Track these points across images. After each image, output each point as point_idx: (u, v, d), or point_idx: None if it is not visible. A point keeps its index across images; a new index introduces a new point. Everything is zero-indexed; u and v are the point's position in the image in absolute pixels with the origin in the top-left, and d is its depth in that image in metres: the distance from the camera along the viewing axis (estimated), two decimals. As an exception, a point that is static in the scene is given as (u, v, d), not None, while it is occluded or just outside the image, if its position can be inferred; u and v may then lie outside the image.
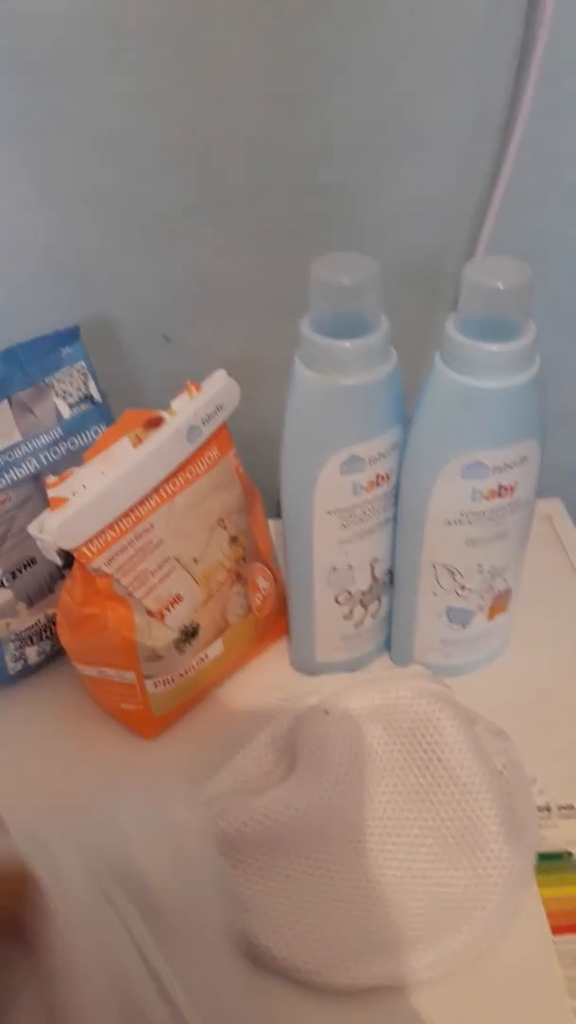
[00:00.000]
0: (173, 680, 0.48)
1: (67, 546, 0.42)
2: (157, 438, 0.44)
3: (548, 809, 0.45)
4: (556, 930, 0.40)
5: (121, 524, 0.43)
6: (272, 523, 0.54)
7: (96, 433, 0.50)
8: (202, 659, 0.49)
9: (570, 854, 0.43)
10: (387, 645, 0.53)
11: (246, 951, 0.39)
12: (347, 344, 0.38)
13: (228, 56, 0.48)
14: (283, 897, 0.40)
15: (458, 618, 0.49)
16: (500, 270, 0.36)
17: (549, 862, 0.43)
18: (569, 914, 0.41)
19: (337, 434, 0.40)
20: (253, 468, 0.51)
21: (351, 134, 0.50)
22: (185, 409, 0.45)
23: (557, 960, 0.39)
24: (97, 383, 0.50)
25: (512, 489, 0.41)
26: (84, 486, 0.42)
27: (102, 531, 0.43)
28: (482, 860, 0.41)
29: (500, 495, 0.41)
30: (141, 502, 0.44)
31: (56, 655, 0.53)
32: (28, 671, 0.52)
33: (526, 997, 0.38)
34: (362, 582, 0.48)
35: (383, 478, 0.43)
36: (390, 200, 0.53)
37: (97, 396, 0.50)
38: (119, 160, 0.50)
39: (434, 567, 0.46)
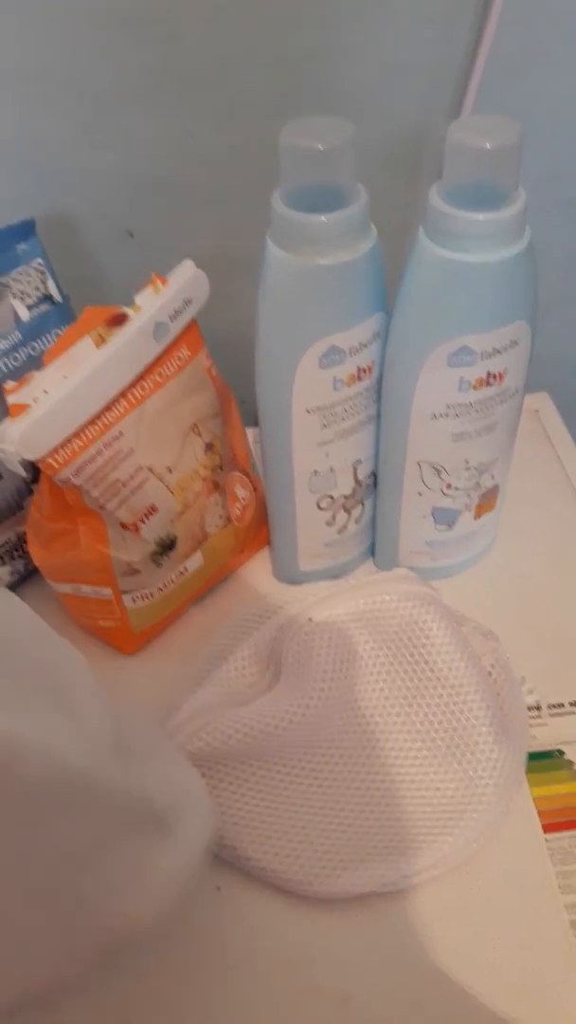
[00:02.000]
0: (152, 595, 0.47)
1: (31, 456, 0.39)
2: (122, 336, 0.41)
3: (538, 708, 0.44)
4: (548, 828, 0.40)
5: (88, 432, 0.41)
6: (250, 432, 0.52)
7: (57, 336, 0.46)
8: (181, 572, 0.48)
9: (560, 752, 0.43)
10: (371, 551, 0.52)
11: (235, 863, 0.39)
12: (323, 218, 0.34)
13: None
14: (272, 808, 0.40)
15: (444, 518, 0.47)
16: (487, 129, 0.32)
17: (539, 761, 0.42)
18: (560, 812, 0.41)
19: (314, 323, 0.37)
20: (228, 374, 0.48)
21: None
22: (150, 304, 0.42)
23: (549, 858, 0.39)
24: (56, 282, 0.46)
25: (501, 377, 0.39)
26: (45, 391, 0.39)
27: (68, 439, 0.40)
28: (472, 762, 0.40)
29: (488, 383, 0.39)
30: (108, 407, 0.41)
31: (30, 574, 0.51)
32: (1, 591, 0.50)
33: (519, 896, 0.38)
34: (344, 486, 0.46)
35: (364, 371, 0.41)
36: (368, 67, 0.49)
37: (57, 296, 0.46)
38: (69, 32, 0.45)
39: (419, 465, 0.44)
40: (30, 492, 0.48)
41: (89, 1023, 0.35)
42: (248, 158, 0.52)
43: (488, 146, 0.32)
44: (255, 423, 0.53)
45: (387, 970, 0.36)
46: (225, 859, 0.39)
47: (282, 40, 0.47)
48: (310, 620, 0.42)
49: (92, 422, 0.41)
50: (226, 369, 0.48)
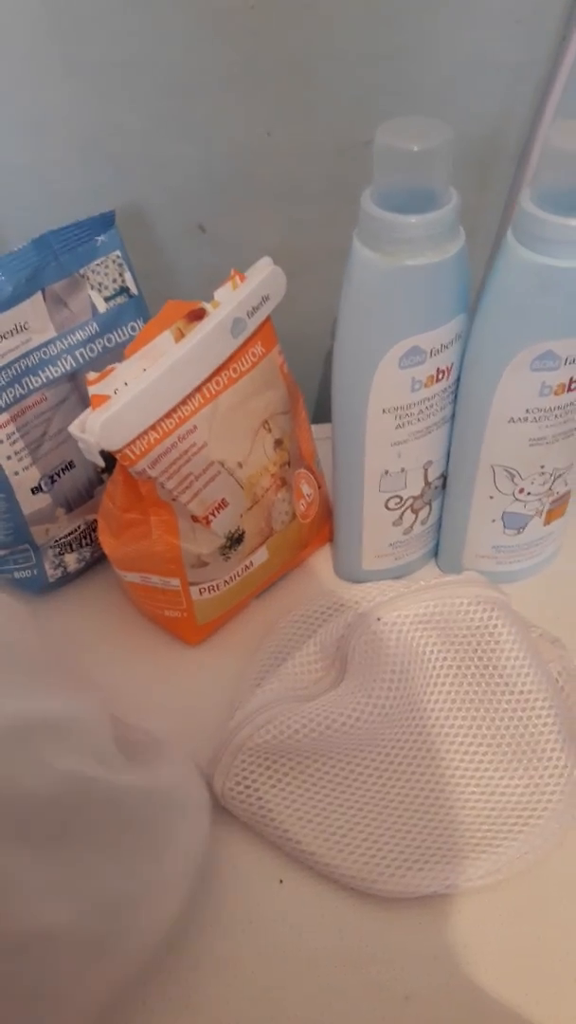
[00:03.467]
0: (218, 587, 0.47)
1: (110, 447, 0.39)
2: (200, 331, 0.41)
3: (605, 718, 0.44)
4: (613, 837, 0.40)
5: (164, 425, 0.41)
6: (313, 428, 0.52)
7: (133, 329, 0.47)
8: (247, 566, 0.48)
9: (627, 763, 0.42)
10: (434, 552, 0.52)
11: (298, 858, 0.39)
12: (413, 219, 0.34)
13: None
14: (336, 804, 0.40)
15: (514, 523, 0.47)
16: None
17: (606, 770, 0.42)
18: (626, 822, 0.40)
19: (398, 323, 0.37)
20: (292, 370, 0.49)
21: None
22: (229, 300, 0.42)
23: (615, 867, 0.39)
24: (133, 274, 0.46)
25: (584, 383, 0.38)
26: (125, 383, 0.40)
27: (145, 432, 0.40)
28: (539, 768, 0.40)
29: (570, 389, 0.38)
30: (184, 402, 0.42)
31: (96, 562, 0.51)
32: (67, 578, 0.51)
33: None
34: (414, 487, 0.46)
35: (444, 372, 0.40)
36: (449, 68, 0.48)
37: (134, 288, 0.46)
38: (154, 25, 0.46)
39: (492, 469, 0.44)
40: (101, 482, 0.49)
41: (154, 1010, 0.36)
42: (324, 157, 0.52)
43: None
44: (315, 420, 0.53)
45: (448, 971, 0.37)
46: (289, 853, 0.39)
47: (364, 39, 0.47)
48: (379, 620, 0.42)
49: (168, 415, 0.41)
50: (288, 365, 0.48)
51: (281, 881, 0.39)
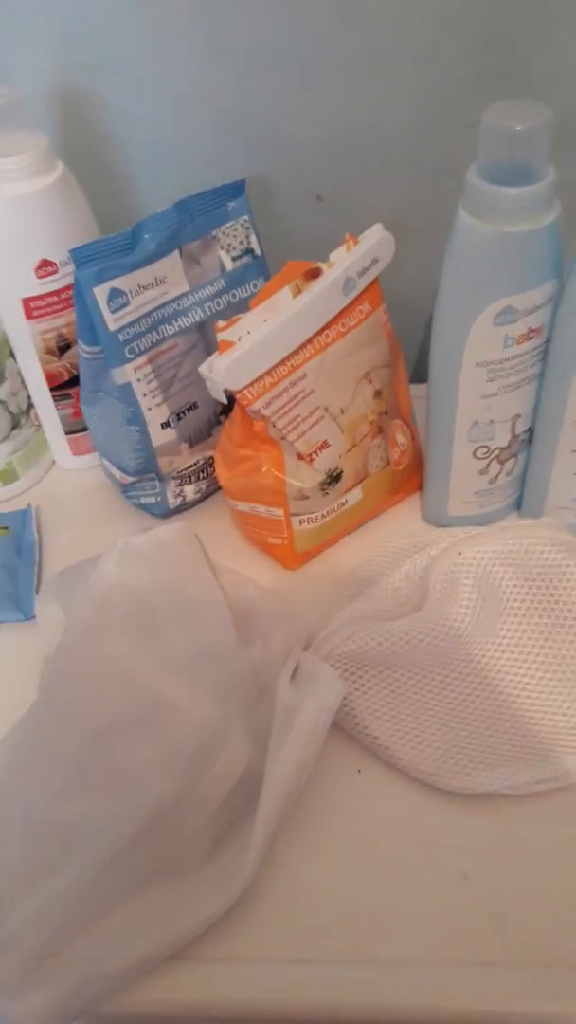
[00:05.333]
0: (316, 520, 0.53)
1: (232, 387, 0.46)
2: (315, 288, 0.47)
3: None
4: None
5: (278, 370, 0.47)
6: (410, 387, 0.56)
7: (255, 286, 0.53)
8: (343, 503, 0.53)
9: None
10: (517, 504, 0.56)
11: (376, 751, 0.45)
12: (513, 191, 0.39)
13: None
14: (409, 709, 0.45)
15: (593, 478, 0.50)
16: None
17: None
18: None
19: (494, 284, 0.42)
20: (394, 329, 0.53)
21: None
22: (343, 261, 0.48)
23: None
24: (258, 237, 0.52)
25: None
26: (248, 332, 0.46)
27: (262, 376, 0.46)
28: (598, 696, 0.44)
29: None
30: (297, 351, 0.47)
31: (211, 494, 0.58)
32: (185, 507, 0.57)
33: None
34: (502, 438, 0.50)
35: (535, 332, 0.45)
36: (553, 56, 0.52)
37: (258, 250, 0.52)
38: (290, 17, 0.51)
39: None
40: (219, 422, 0.55)
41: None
42: (433, 134, 0.56)
43: None
44: (413, 379, 0.58)
45: (503, 858, 0.41)
46: (367, 747, 0.45)
47: (482, 25, 0.51)
48: (460, 554, 0.46)
49: (283, 362, 0.47)
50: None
51: (359, 771, 0.45)
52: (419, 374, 0.57)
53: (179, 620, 0.45)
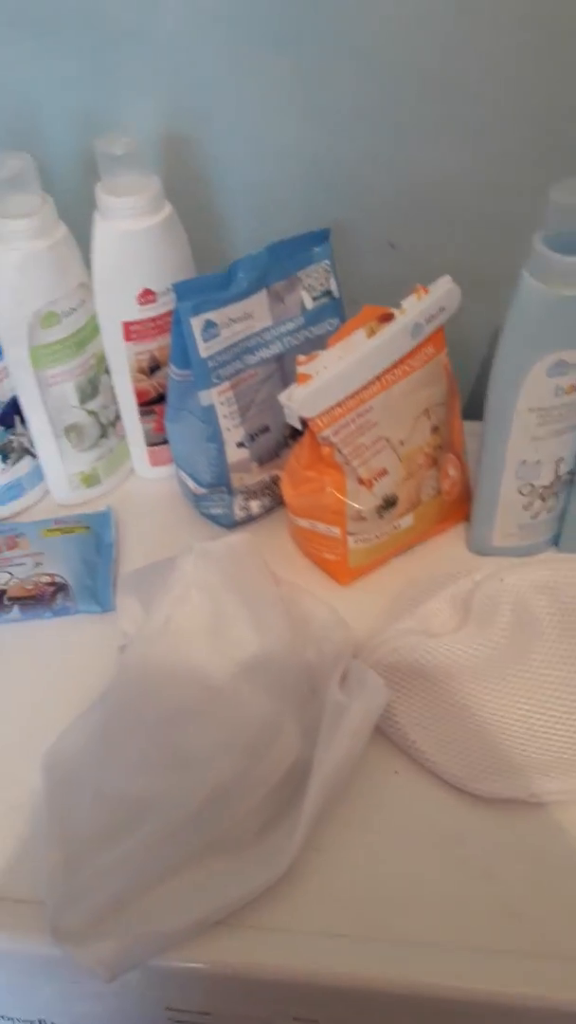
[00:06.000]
0: (370, 540, 0.57)
1: (307, 415, 0.51)
2: (387, 331, 0.52)
3: None
4: None
5: (349, 402, 0.52)
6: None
7: (331, 325, 0.58)
8: (395, 527, 0.58)
9: None
10: (555, 540, 0.60)
11: (413, 755, 0.49)
12: (572, 260, 0.43)
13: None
14: (445, 718, 0.49)
15: (629, 521, 0.55)
16: None
17: None
18: None
19: (551, 339, 0.47)
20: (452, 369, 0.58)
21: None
22: (413, 308, 0.53)
23: None
24: (337, 281, 0.57)
25: None
26: (325, 367, 0.51)
27: (333, 407, 0.51)
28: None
29: None
30: (366, 386, 0.52)
31: (272, 509, 0.63)
32: (249, 519, 0.62)
33: None
34: (546, 477, 0.54)
35: (583, 385, 0.49)
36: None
37: (336, 292, 0.57)
38: (382, 79, 0.57)
39: (615, 472, 0.52)
40: (287, 445, 0.60)
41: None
42: (508, 194, 0.61)
43: None
44: (465, 416, 0.62)
45: (525, 860, 0.45)
46: (405, 750, 0.49)
47: (549, 99, 0.56)
48: (501, 580, 0.51)
49: (353, 396, 0.52)
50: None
51: (396, 772, 0.49)
52: (472, 412, 0.61)
53: (244, 621, 0.50)
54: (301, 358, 0.51)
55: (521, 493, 0.55)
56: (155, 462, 0.65)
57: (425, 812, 0.48)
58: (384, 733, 0.50)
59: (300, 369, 0.51)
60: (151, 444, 0.64)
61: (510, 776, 0.47)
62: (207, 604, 0.49)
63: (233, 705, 0.46)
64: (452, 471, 0.60)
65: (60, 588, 0.57)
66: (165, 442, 0.62)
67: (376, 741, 0.49)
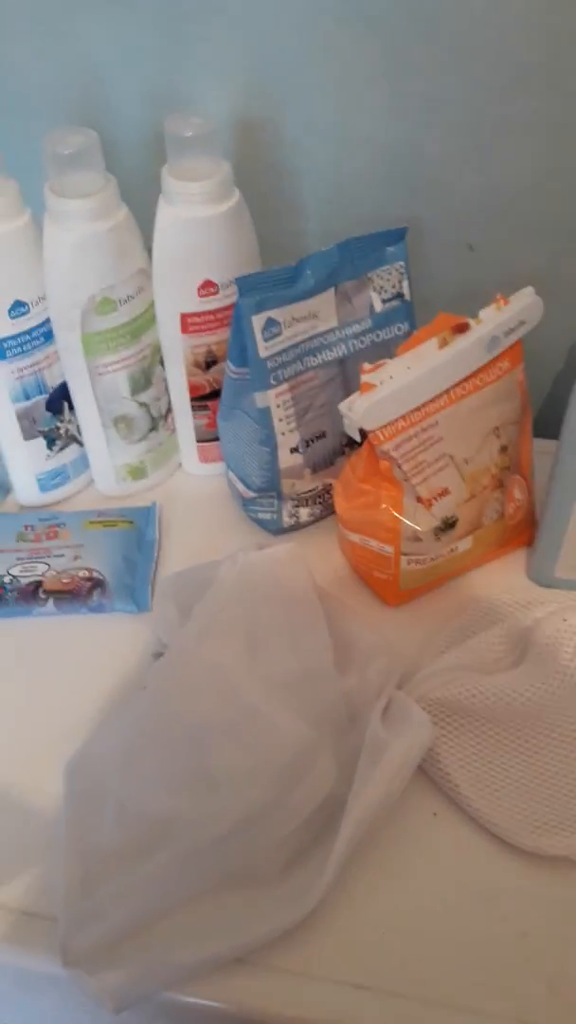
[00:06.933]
0: (424, 562, 0.54)
1: (368, 427, 0.48)
2: (461, 343, 0.48)
3: None
4: None
5: (412, 416, 0.49)
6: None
7: (399, 329, 0.54)
8: (452, 550, 0.55)
9: None
10: (624, 575, 0.56)
11: (455, 798, 0.46)
12: None
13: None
14: (493, 762, 0.46)
15: None
16: None
17: None
18: None
19: None
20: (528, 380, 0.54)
21: None
22: (491, 320, 0.49)
23: None
24: (410, 283, 0.54)
25: None
26: (391, 377, 0.48)
27: (396, 420, 0.48)
28: None
29: None
30: (433, 400, 0.49)
31: (322, 518, 0.60)
32: (297, 527, 0.60)
33: None
34: (622, 511, 0.51)
35: None
36: None
37: (408, 295, 0.54)
38: (472, 72, 0.53)
39: None
40: (343, 453, 0.57)
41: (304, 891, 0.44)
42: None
43: None
44: (536, 433, 0.58)
45: (565, 923, 0.42)
46: (445, 792, 0.46)
47: None
48: (565, 620, 0.47)
49: (417, 409, 0.49)
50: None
51: (435, 814, 0.46)
52: (544, 428, 0.57)
53: (284, 639, 0.47)
54: (366, 366, 0.48)
55: (592, 525, 0.51)
56: (204, 459, 0.63)
57: (464, 861, 0.45)
58: (425, 771, 0.47)
59: (364, 378, 0.47)
60: (201, 440, 0.61)
61: (560, 832, 0.44)
62: (246, 619, 0.46)
63: (267, 729, 0.44)
64: (518, 494, 0.57)
65: (97, 584, 0.55)
66: (216, 439, 0.59)
67: (416, 779, 0.46)
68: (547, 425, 0.55)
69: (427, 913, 0.43)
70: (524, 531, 0.59)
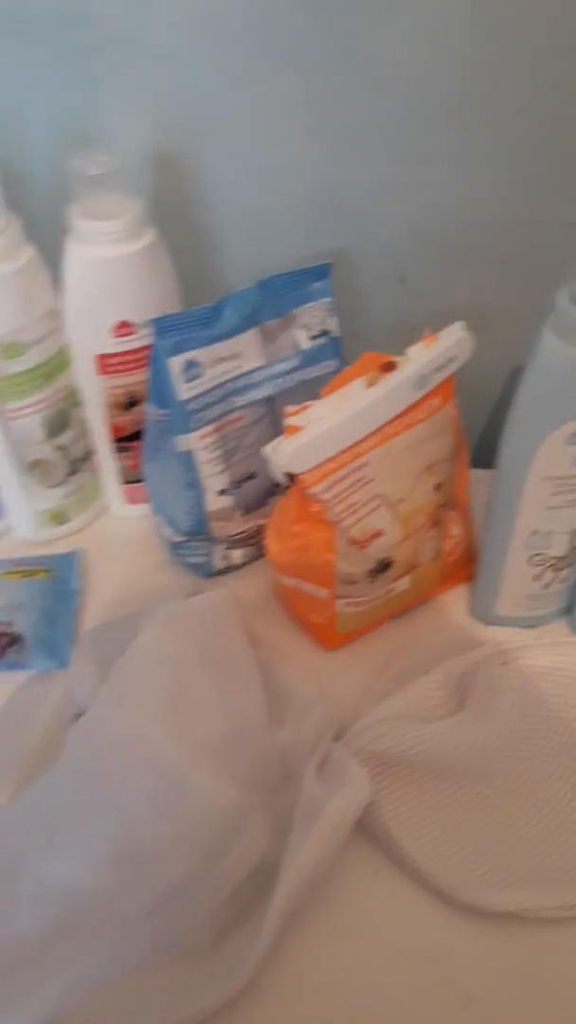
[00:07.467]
0: (360, 605, 0.52)
1: (295, 470, 0.46)
2: (389, 382, 0.47)
3: None
4: None
5: (342, 457, 0.47)
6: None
7: (328, 366, 0.53)
8: (389, 591, 0.53)
9: None
10: (566, 611, 0.55)
11: (395, 856, 0.44)
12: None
13: (519, 6, 0.47)
14: (434, 816, 0.44)
15: None
16: None
17: None
18: None
19: (571, 406, 0.42)
20: (460, 412, 0.53)
21: None
22: (419, 357, 0.48)
23: None
24: (337, 319, 0.52)
25: None
26: (318, 419, 0.46)
27: (324, 461, 0.46)
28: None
29: None
30: (363, 440, 0.47)
31: (254, 560, 0.58)
32: (230, 569, 0.57)
33: None
34: (559, 548, 0.49)
35: (604, 453, 0.44)
36: None
37: (335, 332, 0.52)
38: (395, 101, 0.51)
39: None
40: (274, 493, 0.55)
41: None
42: (525, 232, 0.56)
43: None
44: (473, 463, 0.57)
45: (513, 984, 0.40)
46: (385, 851, 0.44)
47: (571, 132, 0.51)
48: (504, 664, 0.46)
49: (347, 450, 0.47)
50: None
51: (376, 872, 0.44)
52: (480, 459, 0.56)
53: (212, 696, 0.45)
54: (290, 408, 0.46)
55: (531, 564, 0.50)
56: (131, 500, 0.60)
57: (406, 921, 0.43)
58: (364, 827, 0.45)
59: (288, 421, 0.46)
60: (127, 482, 0.59)
61: (505, 886, 0.42)
62: (170, 679, 0.44)
63: (193, 796, 0.41)
64: (455, 530, 0.55)
65: (14, 640, 0.52)
66: (142, 480, 0.57)
67: (354, 835, 0.44)
68: (486, 455, 0.54)
69: (368, 977, 0.41)
70: (466, 566, 0.57)
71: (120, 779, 0.42)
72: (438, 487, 0.52)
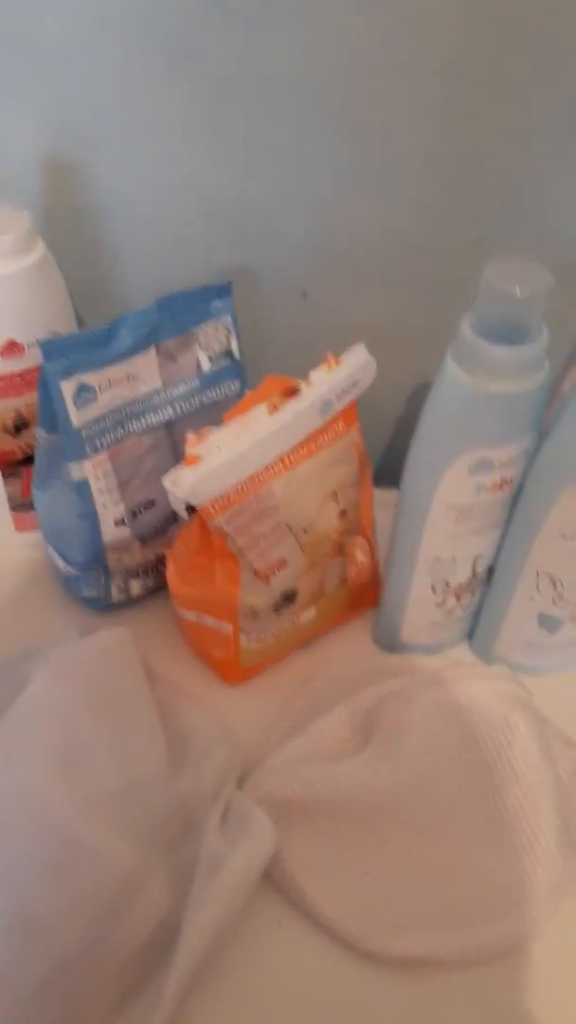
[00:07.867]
0: (264, 638, 0.51)
1: (196, 503, 0.43)
2: (292, 408, 0.45)
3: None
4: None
5: (245, 486, 0.45)
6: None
7: (230, 388, 0.51)
8: (294, 623, 0.51)
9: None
10: (469, 635, 0.55)
11: (301, 906, 0.42)
12: (504, 351, 0.38)
13: (419, 21, 0.46)
14: (339, 863, 0.43)
15: (548, 624, 0.50)
16: None
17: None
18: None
19: (475, 435, 0.41)
20: (363, 431, 0.52)
21: (535, 116, 0.49)
22: (322, 382, 0.46)
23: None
24: (238, 340, 0.50)
25: None
26: (219, 448, 0.44)
27: (227, 492, 0.44)
28: (531, 860, 0.43)
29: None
30: (266, 468, 0.45)
31: (155, 591, 0.55)
32: (129, 602, 0.55)
33: (549, 999, 0.40)
34: (462, 575, 0.49)
35: (507, 482, 0.44)
36: (561, 188, 0.52)
37: (236, 353, 0.50)
38: (294, 114, 0.50)
39: (537, 574, 0.47)
40: (176, 521, 0.53)
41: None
42: (426, 251, 0.55)
43: None
44: (377, 483, 0.56)
45: (425, 1033, 0.39)
46: (291, 901, 0.43)
47: (487, 154, 0.51)
48: (409, 701, 0.45)
49: (250, 479, 0.45)
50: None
51: (280, 923, 0.42)
52: (384, 479, 0.55)
53: (106, 748, 0.42)
54: (191, 436, 0.43)
55: (434, 591, 0.49)
56: (21, 527, 0.57)
57: (314, 973, 0.41)
58: (268, 875, 0.43)
59: (189, 450, 0.43)
60: (16, 509, 0.55)
61: (412, 931, 0.41)
62: (61, 731, 0.41)
63: (88, 857, 0.38)
64: (360, 556, 0.54)
65: None
66: (33, 507, 0.54)
67: (259, 884, 0.43)
68: (389, 474, 0.53)
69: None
70: (371, 590, 0.56)
71: (8, 842, 0.39)
72: (343, 514, 0.51)
